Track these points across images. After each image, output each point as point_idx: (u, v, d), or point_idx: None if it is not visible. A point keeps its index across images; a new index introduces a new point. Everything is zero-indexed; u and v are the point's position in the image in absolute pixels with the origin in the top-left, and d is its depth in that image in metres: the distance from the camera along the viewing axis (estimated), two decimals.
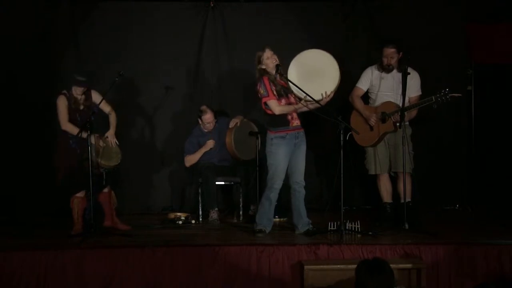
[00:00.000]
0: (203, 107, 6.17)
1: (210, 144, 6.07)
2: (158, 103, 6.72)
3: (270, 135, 5.16)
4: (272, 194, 5.15)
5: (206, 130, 6.16)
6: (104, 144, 5.30)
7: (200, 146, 6.11)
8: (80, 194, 5.34)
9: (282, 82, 5.13)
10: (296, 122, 5.15)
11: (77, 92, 5.30)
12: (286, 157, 5.11)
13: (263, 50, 5.12)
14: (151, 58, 6.67)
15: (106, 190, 5.49)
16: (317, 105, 5.01)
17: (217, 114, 6.25)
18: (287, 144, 5.10)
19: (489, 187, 6.72)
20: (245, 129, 6.06)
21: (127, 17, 6.67)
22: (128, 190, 6.51)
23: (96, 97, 5.40)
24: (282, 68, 5.08)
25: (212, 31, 6.75)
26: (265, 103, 5.09)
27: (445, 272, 4.64)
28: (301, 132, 5.19)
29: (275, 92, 5.08)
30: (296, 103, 5.11)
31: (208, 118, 6.09)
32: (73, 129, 5.20)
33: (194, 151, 6.09)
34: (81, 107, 5.33)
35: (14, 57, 6.44)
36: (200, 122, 6.15)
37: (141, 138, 6.66)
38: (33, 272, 4.49)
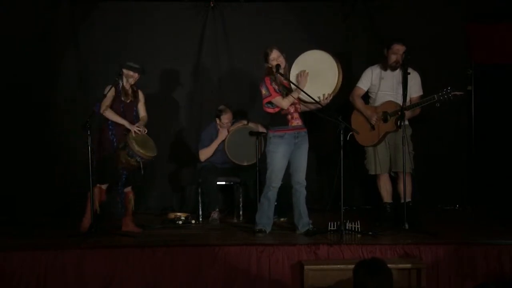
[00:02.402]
0: (222, 107, 6.15)
1: (223, 134, 6.04)
2: (158, 104, 6.71)
3: (269, 134, 5.20)
4: (270, 193, 5.16)
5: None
6: (137, 135, 5.24)
7: (212, 141, 6.11)
8: (103, 186, 5.33)
9: (284, 82, 5.13)
10: (296, 122, 5.15)
11: (129, 77, 5.31)
12: (284, 156, 5.12)
13: (270, 50, 5.12)
14: (151, 58, 6.66)
15: (126, 190, 5.42)
16: (317, 105, 5.03)
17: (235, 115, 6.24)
18: (286, 143, 5.11)
19: (489, 187, 6.71)
20: (242, 134, 6.03)
21: (127, 17, 6.67)
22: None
23: (141, 96, 5.46)
24: (286, 67, 5.11)
25: (212, 31, 6.75)
26: (270, 103, 5.12)
27: (445, 272, 4.64)
28: (302, 132, 5.18)
29: (277, 90, 5.09)
30: (298, 103, 5.13)
31: (227, 118, 6.08)
32: (112, 116, 5.22)
33: (208, 145, 6.09)
34: (128, 100, 5.34)
35: (14, 57, 6.44)
36: (218, 122, 6.13)
37: None
38: (33, 272, 4.49)
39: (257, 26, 6.73)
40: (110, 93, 5.27)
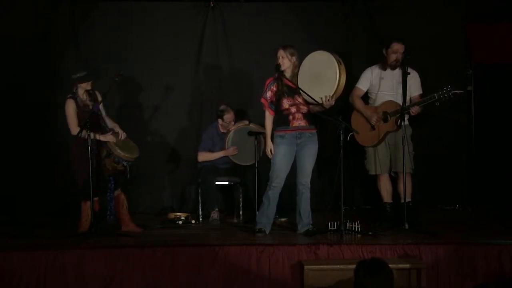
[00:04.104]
0: (224, 107, 6.16)
1: (231, 151, 6.03)
2: (158, 103, 6.72)
3: (274, 133, 5.22)
4: (271, 192, 5.15)
5: (222, 131, 6.15)
6: (120, 139, 5.22)
7: (213, 143, 6.10)
8: (95, 198, 5.27)
9: (290, 82, 5.13)
10: (298, 123, 5.14)
11: (83, 87, 5.22)
12: (285, 156, 5.12)
13: (278, 48, 5.15)
14: (151, 58, 6.68)
15: (116, 193, 5.37)
16: (321, 106, 5.04)
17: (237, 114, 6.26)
18: (287, 143, 5.11)
19: (489, 187, 6.71)
20: (243, 133, 6.02)
21: (127, 17, 6.68)
22: (128, 190, 6.50)
23: (99, 96, 5.35)
24: (293, 69, 5.13)
25: (212, 31, 6.75)
26: (263, 104, 5.23)
27: (445, 272, 4.64)
28: (307, 133, 5.16)
29: (268, 95, 5.16)
30: (302, 103, 5.12)
31: (229, 117, 6.08)
32: (85, 133, 5.08)
33: (208, 149, 6.08)
34: (90, 107, 5.25)
35: (14, 57, 6.44)
36: (220, 122, 6.13)
37: (140, 138, 6.64)
38: (33, 272, 4.49)
39: (257, 26, 6.73)
40: (72, 110, 5.16)
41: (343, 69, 4.97)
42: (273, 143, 5.20)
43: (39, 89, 6.51)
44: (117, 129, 5.32)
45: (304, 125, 5.16)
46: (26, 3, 6.48)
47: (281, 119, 5.15)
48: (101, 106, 5.35)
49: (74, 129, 5.14)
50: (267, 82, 5.20)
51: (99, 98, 5.33)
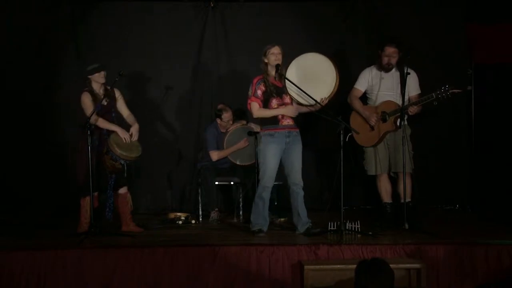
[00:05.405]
0: (222, 106, 6.17)
1: (242, 143, 6.02)
2: (158, 103, 6.72)
3: (261, 133, 5.22)
4: (264, 193, 5.14)
5: (222, 130, 6.15)
6: (119, 138, 5.19)
7: (217, 142, 6.11)
8: (95, 193, 5.27)
9: (276, 82, 5.13)
10: (287, 121, 5.14)
11: (97, 78, 5.20)
12: (275, 155, 5.10)
13: (273, 45, 5.12)
14: (151, 58, 6.68)
15: (122, 191, 5.37)
16: (311, 108, 5.04)
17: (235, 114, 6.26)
18: (276, 142, 5.10)
19: (489, 187, 6.71)
20: (241, 134, 6.03)
21: (127, 17, 6.69)
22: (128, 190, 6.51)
23: (118, 94, 5.35)
24: (282, 68, 5.09)
25: (212, 31, 6.76)
26: (250, 104, 5.17)
27: (445, 272, 4.63)
28: (294, 131, 5.17)
29: (258, 94, 5.11)
30: (290, 103, 5.13)
31: (227, 116, 6.09)
32: (104, 124, 5.14)
33: (216, 147, 6.07)
34: (104, 103, 5.23)
35: (14, 57, 6.44)
36: (219, 121, 6.13)
37: (140, 137, 6.61)
38: (33, 272, 4.48)
39: (257, 26, 6.73)
40: (89, 100, 5.15)
41: (338, 72, 4.97)
42: (260, 143, 5.19)
43: (39, 89, 6.52)
44: (135, 130, 5.29)
45: (292, 124, 5.17)
46: (26, 3, 6.49)
47: (270, 118, 5.13)
48: (120, 104, 5.33)
49: (94, 118, 5.09)
50: (255, 81, 5.16)
51: (116, 96, 5.33)
